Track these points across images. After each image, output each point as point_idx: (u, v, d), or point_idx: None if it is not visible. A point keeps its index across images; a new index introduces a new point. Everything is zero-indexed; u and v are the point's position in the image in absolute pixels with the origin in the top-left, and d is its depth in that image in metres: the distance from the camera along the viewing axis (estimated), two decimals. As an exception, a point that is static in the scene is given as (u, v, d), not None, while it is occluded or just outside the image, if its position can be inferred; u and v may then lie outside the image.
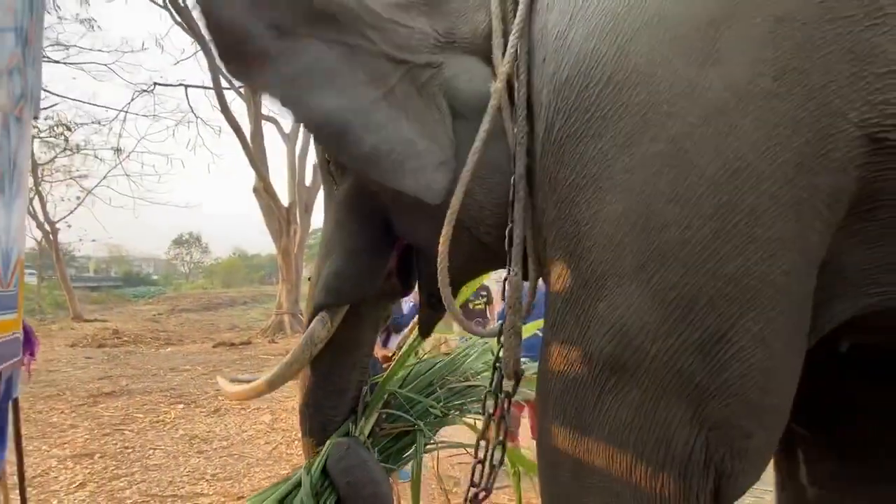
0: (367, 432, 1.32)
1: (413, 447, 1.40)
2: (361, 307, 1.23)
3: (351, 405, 1.33)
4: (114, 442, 3.22)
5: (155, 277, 33.48)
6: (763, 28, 0.66)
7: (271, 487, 1.32)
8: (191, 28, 9.62)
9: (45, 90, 11.65)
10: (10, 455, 1.48)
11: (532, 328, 1.54)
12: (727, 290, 0.68)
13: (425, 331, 1.35)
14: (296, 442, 3.34)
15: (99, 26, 11.55)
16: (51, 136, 11.89)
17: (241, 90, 12.07)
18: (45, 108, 11.50)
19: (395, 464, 1.42)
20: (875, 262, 0.72)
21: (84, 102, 16.63)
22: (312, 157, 11.83)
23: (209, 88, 10.81)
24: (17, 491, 1.56)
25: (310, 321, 1.22)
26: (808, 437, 1.03)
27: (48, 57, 12.05)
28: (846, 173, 0.66)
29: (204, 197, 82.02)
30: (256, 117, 11.12)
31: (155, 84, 11.37)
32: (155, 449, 3.10)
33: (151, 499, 2.43)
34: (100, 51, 12.85)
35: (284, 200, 10.63)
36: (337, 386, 1.30)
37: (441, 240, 0.89)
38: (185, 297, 18.54)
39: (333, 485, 1.22)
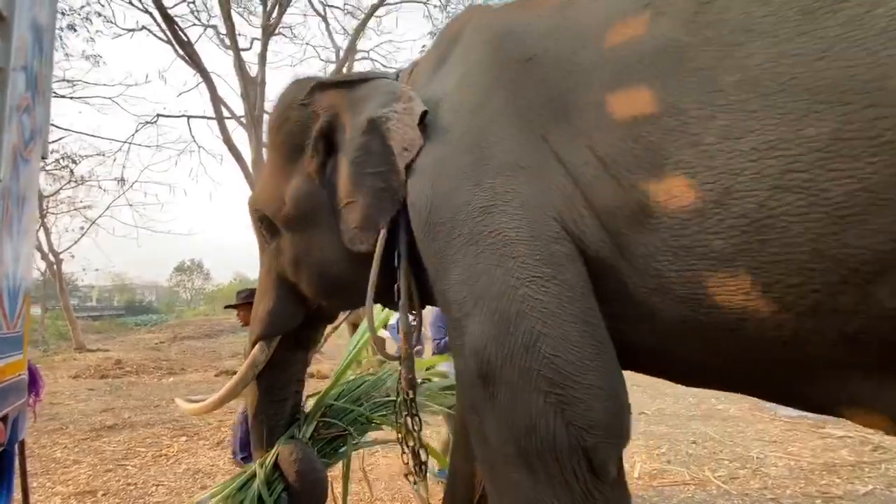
0: (308, 435, 1.69)
1: (344, 447, 1.81)
2: (292, 334, 1.62)
3: (292, 413, 1.68)
4: (116, 479, 3.15)
5: (157, 305, 33.45)
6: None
7: (229, 481, 1.61)
8: (193, 61, 9.84)
9: (51, 124, 11.88)
10: (17, 493, 1.45)
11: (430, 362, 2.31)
12: (526, 307, 0.98)
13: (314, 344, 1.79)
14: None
15: (104, 62, 11.84)
16: (56, 169, 12.04)
17: (243, 119, 12.26)
18: (51, 142, 11.71)
19: (330, 460, 1.78)
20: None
21: (89, 135, 16.86)
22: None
23: (211, 118, 10.99)
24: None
25: (251, 348, 1.58)
26: None
27: (55, 92, 12.36)
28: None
29: (206, 224, 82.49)
30: (257, 145, 11.24)
31: (158, 115, 11.57)
32: (158, 485, 3.03)
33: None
34: (104, 85, 13.17)
35: (286, 226, 10.62)
36: (278, 397, 1.64)
37: (368, 294, 1.28)
38: (187, 324, 18.45)
39: (282, 475, 1.54)
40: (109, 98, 12.64)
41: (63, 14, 10.03)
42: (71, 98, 12.48)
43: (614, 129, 0.93)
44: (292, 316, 1.57)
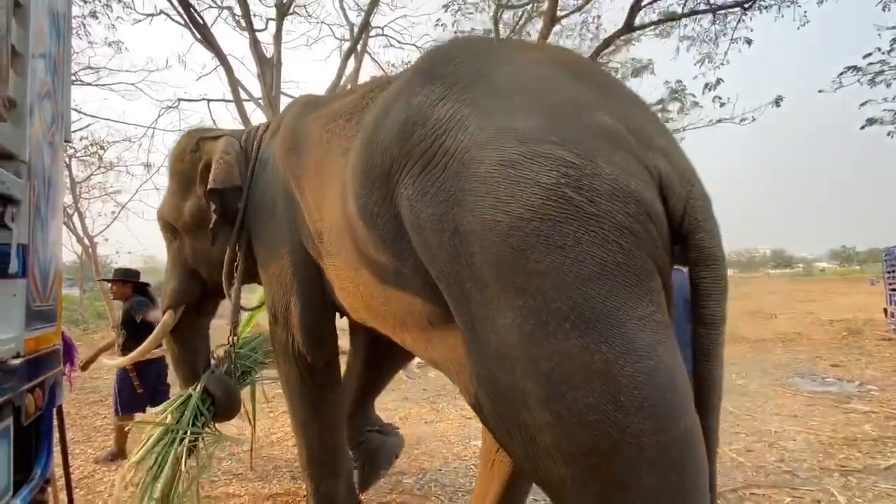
0: (224, 371, 2.38)
1: (249, 379, 2.80)
2: (194, 304, 2.42)
3: (206, 357, 2.51)
4: (152, 445, 3.37)
5: (187, 286, 34.51)
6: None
7: (171, 402, 2.25)
8: (210, 44, 9.89)
9: (79, 111, 12.20)
10: (57, 458, 1.58)
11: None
12: (274, 285, 1.90)
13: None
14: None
15: (126, 48, 12.01)
16: (86, 155, 12.44)
17: (260, 101, 12.29)
18: (79, 129, 12.08)
19: (240, 385, 2.59)
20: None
21: (115, 121, 17.26)
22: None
23: (229, 101, 11.09)
24: (65, 493, 1.65)
25: (163, 314, 2.41)
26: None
27: (80, 80, 12.65)
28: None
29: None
30: (276, 126, 11.27)
31: (179, 100, 11.76)
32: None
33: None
34: (127, 71, 13.34)
35: (306, 205, 10.74)
36: (192, 347, 2.47)
37: (224, 273, 2.17)
38: (215, 303, 19.08)
39: (209, 394, 2.24)
40: (133, 84, 12.89)
41: (85, 1, 10.17)
42: (97, 85, 12.80)
43: None
44: (191, 292, 2.37)
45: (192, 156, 2.22)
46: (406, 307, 1.25)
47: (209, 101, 12.11)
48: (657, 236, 0.92)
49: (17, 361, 1.13)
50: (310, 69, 15.68)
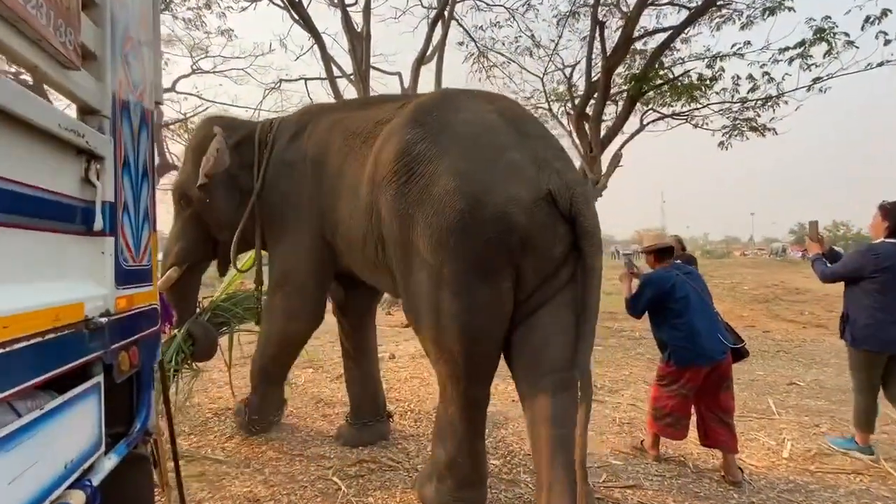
0: (206, 319, 3.00)
1: (227, 327, 3.24)
2: (196, 264, 2.91)
3: (194, 306, 2.99)
4: (256, 400, 3.64)
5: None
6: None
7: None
8: (306, 23, 10.28)
9: (199, 97, 13.58)
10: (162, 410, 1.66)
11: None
12: (289, 257, 2.67)
13: (223, 272, 3.09)
14: (408, 413, 3.40)
15: (235, 35, 13.01)
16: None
17: (352, 77, 12.61)
18: (199, 113, 13.49)
19: (218, 332, 3.12)
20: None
21: (229, 105, 19.12)
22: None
23: (324, 79, 11.54)
24: (169, 444, 1.74)
25: (166, 271, 2.75)
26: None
27: (201, 68, 14.10)
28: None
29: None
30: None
31: (280, 81, 12.55)
32: (289, 409, 3.42)
33: (283, 455, 2.65)
34: (238, 58, 14.53)
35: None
36: (186, 298, 2.89)
37: (235, 239, 2.71)
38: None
39: (192, 336, 2.77)
40: (243, 69, 14.03)
41: (199, -8, 11.13)
42: (214, 73, 14.15)
43: None
44: (197, 252, 2.85)
45: (209, 142, 2.61)
46: (382, 262, 2.11)
47: (306, 80, 12.76)
48: (515, 239, 1.69)
49: (104, 320, 1.11)
50: (398, 42, 15.72)
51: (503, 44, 10.60)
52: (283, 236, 2.56)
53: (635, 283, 2.61)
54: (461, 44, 11.10)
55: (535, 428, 1.72)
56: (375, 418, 2.86)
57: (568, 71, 10.21)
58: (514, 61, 10.35)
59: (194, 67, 13.95)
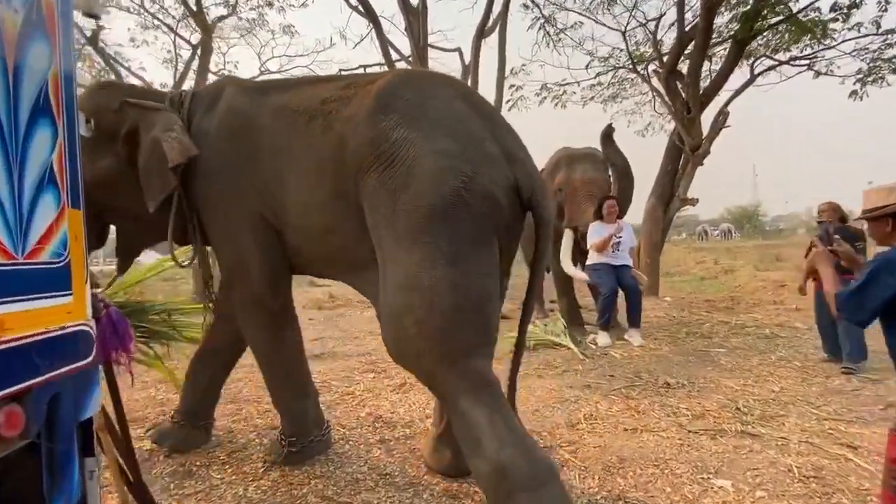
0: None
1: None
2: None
3: None
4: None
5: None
6: None
7: None
8: (363, 6, 9.99)
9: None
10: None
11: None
12: (232, 246, 2.30)
13: (124, 267, 2.72)
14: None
15: (297, 31, 13.07)
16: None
17: (410, 59, 12.30)
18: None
19: None
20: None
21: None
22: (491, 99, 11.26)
23: (382, 64, 11.26)
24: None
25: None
26: None
27: (268, 69, 14.40)
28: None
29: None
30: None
31: (340, 70, 12.41)
32: (339, 427, 2.89)
33: (325, 501, 2.09)
34: (301, 56, 14.66)
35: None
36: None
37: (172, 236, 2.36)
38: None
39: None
40: (307, 67, 14.13)
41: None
42: (279, 72, 14.37)
43: None
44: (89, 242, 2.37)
45: (112, 115, 2.29)
46: (352, 255, 2.02)
47: (365, 66, 12.56)
48: (500, 218, 1.76)
49: None
50: (457, 18, 14.97)
51: (574, 0, 9.41)
52: (216, 222, 2.30)
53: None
54: (526, 7, 10.08)
55: None
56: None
57: (651, 26, 8.80)
58: (590, 17, 9.10)
59: (262, 69, 14.25)
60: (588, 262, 5.05)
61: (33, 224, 0.85)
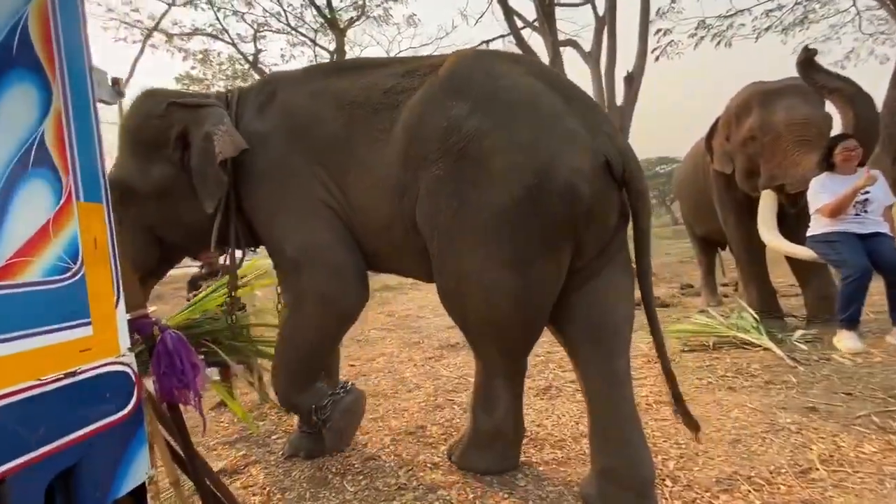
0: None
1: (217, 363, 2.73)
2: (145, 277, 2.42)
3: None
4: (440, 419, 2.88)
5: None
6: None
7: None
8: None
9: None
10: None
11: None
12: (296, 232, 2.14)
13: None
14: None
15: (419, 20, 13.23)
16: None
17: (536, 24, 11.50)
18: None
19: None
20: None
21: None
22: (619, 74, 9.92)
23: (506, 36, 10.69)
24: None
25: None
26: None
27: (394, 62, 14.95)
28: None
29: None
30: (553, 45, 10.15)
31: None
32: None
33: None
34: (424, 45, 14.89)
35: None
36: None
37: (215, 238, 2.24)
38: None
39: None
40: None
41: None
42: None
43: None
44: (151, 260, 2.39)
45: (159, 121, 2.22)
46: (412, 244, 1.96)
47: (486, 41, 12.13)
48: (579, 211, 1.63)
49: None
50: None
51: None
52: (279, 214, 2.14)
53: None
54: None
55: (607, 389, 1.77)
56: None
57: None
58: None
59: (387, 63, 14.88)
60: (811, 233, 3.55)
61: (3, 227, 0.57)
